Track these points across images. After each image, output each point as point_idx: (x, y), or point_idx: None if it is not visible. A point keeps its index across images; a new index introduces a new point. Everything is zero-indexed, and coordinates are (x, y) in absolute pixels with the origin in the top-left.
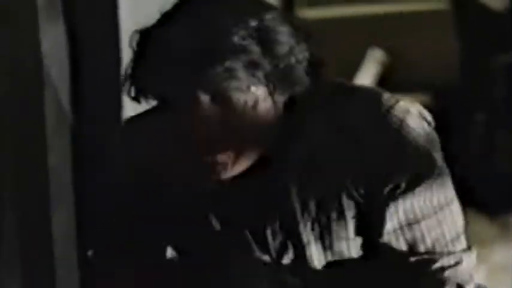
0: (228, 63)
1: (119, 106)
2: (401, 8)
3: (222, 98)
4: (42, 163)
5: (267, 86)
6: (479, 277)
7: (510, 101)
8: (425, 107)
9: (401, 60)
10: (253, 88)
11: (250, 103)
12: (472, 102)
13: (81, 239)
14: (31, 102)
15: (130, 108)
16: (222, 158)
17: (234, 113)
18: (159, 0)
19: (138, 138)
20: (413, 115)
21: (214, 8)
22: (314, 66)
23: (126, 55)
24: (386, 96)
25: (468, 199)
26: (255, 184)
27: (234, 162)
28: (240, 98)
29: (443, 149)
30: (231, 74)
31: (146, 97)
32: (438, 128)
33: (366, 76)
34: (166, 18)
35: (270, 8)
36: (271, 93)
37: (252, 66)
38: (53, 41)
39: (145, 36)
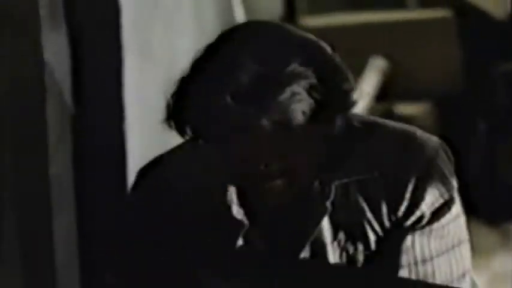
0: (293, 88)
1: (120, 114)
2: (403, 17)
3: (284, 124)
4: (43, 171)
5: (322, 110)
6: (480, 285)
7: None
8: (427, 115)
9: (403, 69)
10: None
11: (308, 129)
12: (473, 110)
13: (82, 247)
14: (33, 110)
15: (132, 117)
16: (278, 182)
17: (292, 139)
18: (161, 9)
19: (187, 169)
20: (442, 155)
21: (267, 38)
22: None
23: (128, 63)
24: (418, 134)
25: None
26: (296, 208)
27: (289, 186)
28: (299, 123)
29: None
30: (295, 98)
31: (193, 129)
32: (439, 137)
33: (368, 85)
34: (212, 50)
35: (310, 36)
36: (325, 119)
37: (311, 90)
38: (55, 49)
39: (193, 69)
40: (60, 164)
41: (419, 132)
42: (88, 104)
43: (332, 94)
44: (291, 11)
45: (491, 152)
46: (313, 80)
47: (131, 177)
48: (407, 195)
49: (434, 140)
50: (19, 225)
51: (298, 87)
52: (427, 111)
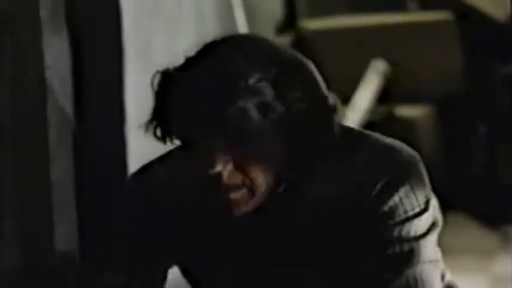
0: (240, 103)
1: (121, 118)
2: (404, 19)
3: (236, 141)
4: (44, 176)
5: (278, 128)
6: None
7: None
8: (428, 117)
9: (404, 72)
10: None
11: (262, 145)
12: (474, 113)
13: (83, 252)
14: (34, 114)
15: (133, 121)
16: (237, 195)
17: (246, 154)
18: (161, 12)
19: (166, 175)
20: (419, 168)
21: (234, 53)
22: (330, 113)
23: (129, 65)
24: (400, 147)
25: (469, 209)
26: (264, 219)
27: (249, 199)
28: (252, 140)
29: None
30: (242, 114)
31: (171, 137)
32: (440, 139)
33: (369, 87)
34: (189, 62)
35: (289, 53)
36: (283, 138)
37: (264, 107)
38: (56, 54)
39: (167, 78)
40: (61, 167)
41: (401, 146)
42: (89, 107)
43: (290, 113)
44: (291, 14)
45: (492, 153)
46: (269, 98)
47: None
48: (378, 187)
49: (415, 155)
50: (20, 229)
51: (246, 104)
52: (428, 113)
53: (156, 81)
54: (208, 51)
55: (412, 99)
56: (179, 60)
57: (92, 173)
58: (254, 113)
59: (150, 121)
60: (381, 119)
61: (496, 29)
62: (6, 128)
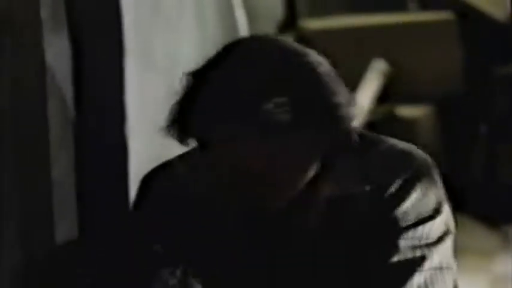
0: (276, 99)
1: (122, 117)
2: (404, 19)
3: (270, 134)
4: (45, 176)
5: (309, 123)
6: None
7: None
8: (428, 117)
9: (405, 72)
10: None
11: (294, 140)
12: (474, 112)
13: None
14: (34, 114)
15: (134, 120)
16: (270, 190)
17: (279, 148)
18: (162, 12)
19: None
20: (433, 171)
21: (263, 50)
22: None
23: (130, 66)
24: (414, 150)
25: (470, 209)
26: (280, 217)
27: (278, 194)
28: (285, 134)
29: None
30: (279, 109)
31: (197, 137)
32: (441, 139)
33: (369, 87)
34: (214, 62)
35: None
36: (312, 133)
37: (298, 102)
38: (57, 53)
39: (196, 77)
40: (61, 167)
41: (416, 151)
42: (89, 107)
43: (315, 108)
44: (291, 14)
45: (492, 153)
46: (300, 94)
47: (133, 180)
48: (392, 190)
49: (429, 159)
50: (20, 229)
51: (281, 99)
52: (429, 113)
53: (184, 82)
54: (236, 49)
55: (413, 99)
56: (179, 60)
57: (92, 173)
58: (285, 109)
59: (174, 122)
60: (381, 119)
61: (496, 29)
62: (6, 128)
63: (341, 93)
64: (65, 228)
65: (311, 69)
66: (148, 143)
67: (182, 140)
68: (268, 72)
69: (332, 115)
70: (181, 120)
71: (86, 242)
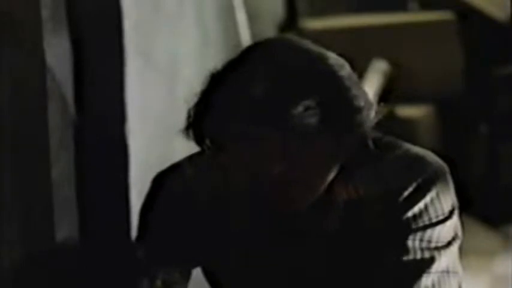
0: (305, 102)
1: (122, 117)
2: (404, 19)
3: (297, 136)
4: (45, 176)
5: (333, 127)
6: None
7: None
8: (429, 117)
9: (405, 72)
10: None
11: (318, 143)
12: (475, 112)
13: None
14: (34, 114)
15: (134, 120)
16: (295, 191)
17: (304, 151)
18: (163, 13)
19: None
20: (447, 176)
21: (288, 52)
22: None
23: (130, 66)
24: (428, 156)
25: (471, 210)
26: (298, 218)
27: (305, 196)
28: (311, 137)
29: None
30: (307, 112)
31: (216, 139)
32: (441, 139)
33: (370, 87)
34: (233, 64)
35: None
36: (335, 136)
37: (323, 106)
38: (57, 53)
39: (214, 80)
40: (61, 167)
41: (430, 156)
42: (90, 108)
43: (339, 112)
44: (291, 14)
45: (493, 153)
46: (326, 97)
47: (133, 180)
48: (406, 193)
49: (443, 164)
50: (20, 229)
51: (310, 102)
52: (429, 113)
53: (205, 85)
54: (257, 52)
55: (413, 99)
56: (179, 60)
57: (92, 173)
58: (314, 113)
59: (193, 124)
60: (381, 119)
61: (496, 29)
62: (6, 128)
63: (361, 96)
64: (65, 228)
65: (334, 73)
66: (149, 143)
67: (200, 142)
68: (295, 74)
69: (354, 119)
70: (199, 122)
71: (86, 242)
